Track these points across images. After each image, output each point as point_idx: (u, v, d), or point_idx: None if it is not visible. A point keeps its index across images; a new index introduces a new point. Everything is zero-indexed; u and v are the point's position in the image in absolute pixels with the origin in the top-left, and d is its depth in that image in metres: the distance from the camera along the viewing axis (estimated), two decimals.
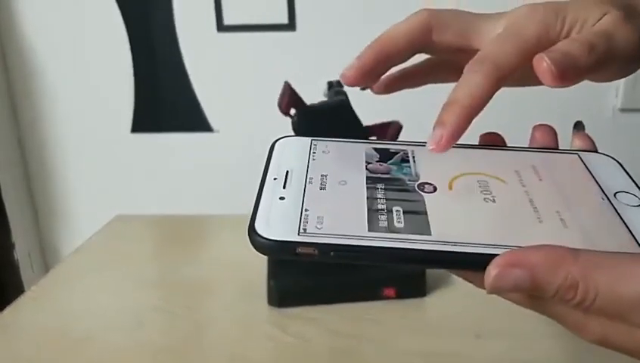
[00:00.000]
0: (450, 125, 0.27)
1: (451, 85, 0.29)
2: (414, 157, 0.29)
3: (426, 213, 0.25)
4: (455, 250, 0.23)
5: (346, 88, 0.59)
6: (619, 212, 0.25)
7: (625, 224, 0.25)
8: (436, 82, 0.38)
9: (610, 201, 0.26)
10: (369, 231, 0.24)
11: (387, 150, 0.30)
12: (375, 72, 0.33)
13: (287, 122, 0.58)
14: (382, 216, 0.24)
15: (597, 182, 0.28)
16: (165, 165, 1.07)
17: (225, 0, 0.95)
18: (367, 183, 0.27)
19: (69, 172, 1.09)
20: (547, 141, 0.30)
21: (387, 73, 0.35)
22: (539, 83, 0.29)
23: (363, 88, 0.36)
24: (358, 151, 0.30)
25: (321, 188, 0.26)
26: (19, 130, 1.07)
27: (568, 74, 0.28)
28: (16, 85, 1.04)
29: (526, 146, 0.31)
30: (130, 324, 0.57)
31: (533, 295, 0.22)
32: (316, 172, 0.28)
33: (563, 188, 0.27)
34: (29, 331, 0.57)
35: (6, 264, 1.04)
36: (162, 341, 0.55)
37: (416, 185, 0.27)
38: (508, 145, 0.31)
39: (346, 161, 0.29)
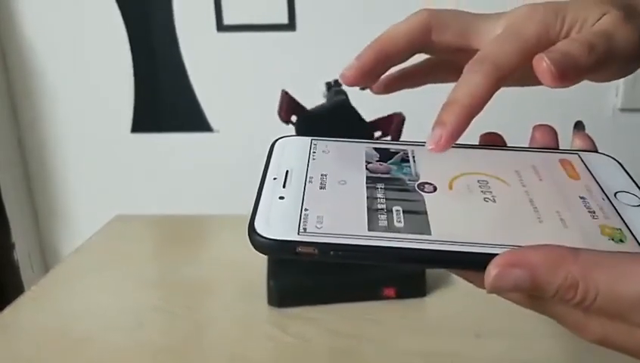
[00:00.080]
0: (449, 125, 0.27)
1: (451, 85, 0.29)
2: (414, 157, 0.29)
3: (426, 213, 0.25)
4: (455, 250, 0.23)
5: (345, 88, 0.59)
6: (619, 212, 0.25)
7: (625, 224, 0.25)
8: (435, 82, 0.38)
9: (610, 201, 0.26)
10: (369, 230, 0.24)
11: (387, 149, 0.30)
12: (375, 72, 0.33)
13: None
14: (382, 216, 0.24)
15: (597, 182, 0.28)
16: (165, 165, 1.07)
17: (225, 0, 0.95)
18: (367, 183, 0.27)
19: (69, 173, 1.09)
20: (547, 141, 0.30)
21: (387, 73, 0.35)
22: (538, 83, 0.29)
23: (363, 88, 0.36)
24: (358, 151, 0.30)
25: (321, 188, 0.26)
26: (19, 130, 1.07)
27: (568, 74, 0.28)
28: (16, 85, 1.04)
29: (526, 146, 0.31)
30: (130, 324, 0.57)
31: (533, 295, 0.22)
32: (316, 172, 0.27)
33: (563, 188, 0.27)
34: (29, 331, 0.57)
35: (6, 264, 1.04)
36: (162, 341, 0.55)
37: (416, 185, 0.27)
38: (508, 145, 0.31)
39: (346, 161, 0.29)
